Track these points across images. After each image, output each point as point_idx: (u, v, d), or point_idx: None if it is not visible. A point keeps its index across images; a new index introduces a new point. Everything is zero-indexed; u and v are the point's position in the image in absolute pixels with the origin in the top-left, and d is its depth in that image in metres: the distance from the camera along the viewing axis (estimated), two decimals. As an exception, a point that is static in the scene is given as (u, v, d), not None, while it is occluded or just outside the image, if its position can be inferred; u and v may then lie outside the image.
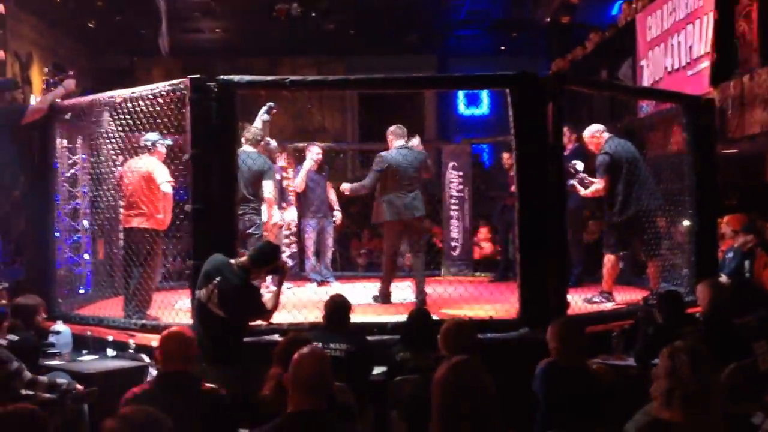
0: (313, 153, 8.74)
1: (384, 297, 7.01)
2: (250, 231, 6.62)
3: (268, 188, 6.77)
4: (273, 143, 8.18)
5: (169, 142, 6.51)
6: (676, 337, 3.86)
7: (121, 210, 6.51)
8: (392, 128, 7.03)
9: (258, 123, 7.44)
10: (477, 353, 3.78)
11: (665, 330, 4.76)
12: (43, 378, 4.54)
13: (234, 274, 4.67)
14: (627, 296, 7.05)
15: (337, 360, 4.23)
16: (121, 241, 6.70)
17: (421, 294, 6.78)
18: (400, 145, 6.92)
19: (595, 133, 6.92)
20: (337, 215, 9.02)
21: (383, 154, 6.91)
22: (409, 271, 7.97)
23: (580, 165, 7.08)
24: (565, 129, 8.11)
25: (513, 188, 6.12)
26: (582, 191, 6.99)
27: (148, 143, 6.35)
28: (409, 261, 8.36)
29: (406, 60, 14.94)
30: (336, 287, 8.29)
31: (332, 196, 8.98)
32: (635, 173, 6.68)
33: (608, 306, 6.66)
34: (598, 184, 6.80)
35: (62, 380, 4.63)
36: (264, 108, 7.61)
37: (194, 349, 3.66)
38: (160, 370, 3.67)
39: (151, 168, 6.25)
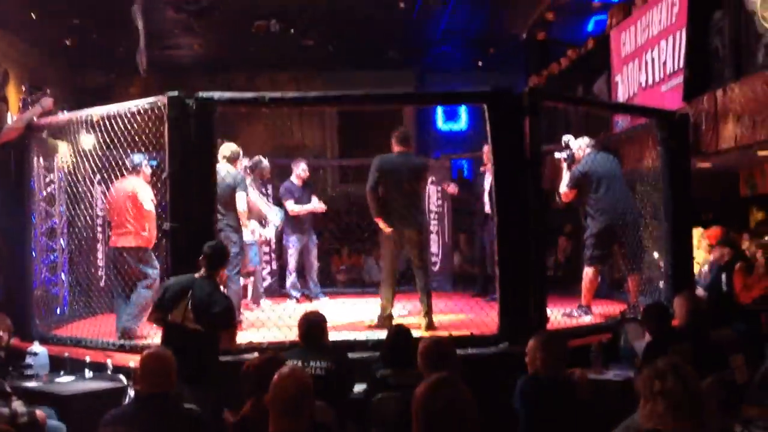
0: (300, 169, 8.76)
1: (383, 319, 6.42)
2: None
3: (240, 200, 6.72)
4: (264, 162, 8.20)
5: (153, 162, 6.54)
6: (667, 353, 3.91)
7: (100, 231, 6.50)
8: (396, 132, 6.80)
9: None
10: (457, 370, 3.79)
11: (657, 345, 4.77)
12: (4, 410, 4.47)
13: (202, 285, 4.73)
14: (605, 309, 7.10)
15: (318, 378, 4.21)
16: (99, 260, 6.68)
17: (426, 316, 6.37)
18: (398, 150, 6.62)
19: (582, 145, 7.09)
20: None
21: (379, 156, 6.64)
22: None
23: (573, 141, 7.16)
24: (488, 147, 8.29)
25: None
26: (564, 174, 7.05)
27: (134, 164, 6.41)
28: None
29: (385, 75, 14.99)
30: (324, 303, 8.28)
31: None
32: (609, 187, 6.78)
33: (587, 320, 6.71)
34: (563, 189, 6.99)
35: (23, 410, 4.55)
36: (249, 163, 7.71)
37: (173, 370, 3.64)
38: (139, 391, 3.64)
39: (136, 188, 6.36)
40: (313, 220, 8.94)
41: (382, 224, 6.44)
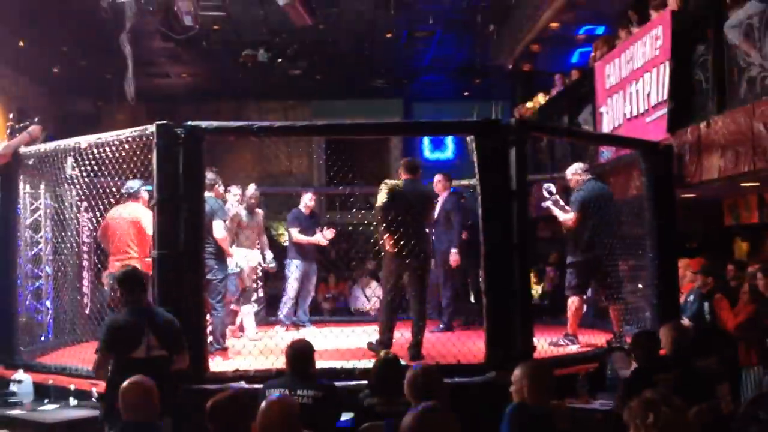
0: (306, 199, 8.80)
1: (379, 345, 6.29)
2: (207, 277, 6.32)
3: (217, 228, 6.68)
4: (250, 190, 8.20)
5: (150, 187, 6.53)
6: (652, 382, 3.92)
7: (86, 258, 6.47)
8: (404, 160, 6.79)
9: None
10: (444, 399, 3.79)
11: (642, 373, 4.78)
12: None
13: (150, 314, 4.69)
14: (592, 339, 7.12)
15: (305, 407, 4.19)
16: (85, 287, 6.65)
17: (415, 346, 6.29)
18: (405, 178, 6.53)
19: (577, 170, 7.11)
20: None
21: (388, 180, 6.54)
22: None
23: (553, 187, 7.19)
24: (441, 176, 8.30)
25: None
26: (556, 212, 7.06)
27: (131, 190, 6.41)
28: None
29: (372, 104, 15.13)
30: (311, 332, 8.23)
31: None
32: (602, 216, 6.82)
33: (573, 349, 6.72)
34: (569, 216, 6.93)
35: None
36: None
37: (156, 399, 3.63)
38: (122, 420, 3.61)
39: (139, 214, 6.37)
40: (316, 249, 8.95)
41: (388, 244, 6.35)
